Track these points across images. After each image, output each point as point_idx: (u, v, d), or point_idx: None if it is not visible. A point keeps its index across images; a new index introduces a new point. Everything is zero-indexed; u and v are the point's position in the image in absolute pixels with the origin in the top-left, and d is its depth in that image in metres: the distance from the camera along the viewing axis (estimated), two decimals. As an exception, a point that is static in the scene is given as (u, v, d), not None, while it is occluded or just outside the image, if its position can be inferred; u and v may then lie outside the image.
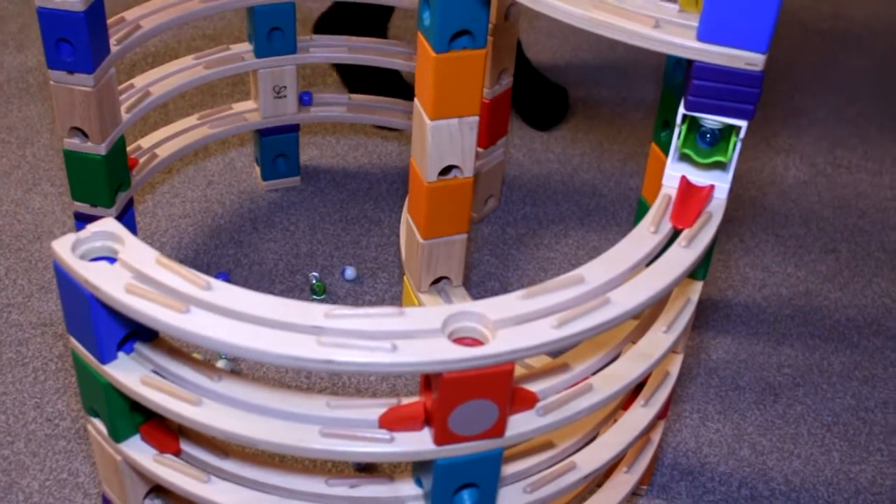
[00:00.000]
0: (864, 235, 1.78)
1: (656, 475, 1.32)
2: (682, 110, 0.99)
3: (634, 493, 1.29)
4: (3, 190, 1.71)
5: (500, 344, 0.85)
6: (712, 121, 0.99)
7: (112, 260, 0.92)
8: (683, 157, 1.02)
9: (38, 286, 1.53)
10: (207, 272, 1.57)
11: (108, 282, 0.88)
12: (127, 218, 1.51)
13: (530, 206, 1.77)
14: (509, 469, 1.00)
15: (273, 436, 0.90)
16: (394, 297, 1.55)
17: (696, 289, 1.08)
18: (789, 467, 1.35)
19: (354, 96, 1.75)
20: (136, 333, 0.96)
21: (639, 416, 1.08)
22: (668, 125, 1.24)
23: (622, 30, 0.97)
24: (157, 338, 0.97)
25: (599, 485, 1.16)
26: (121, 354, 0.95)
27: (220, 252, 1.61)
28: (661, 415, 1.20)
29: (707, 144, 0.99)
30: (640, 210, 1.34)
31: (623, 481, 1.15)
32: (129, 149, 1.56)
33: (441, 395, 0.86)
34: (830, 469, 1.36)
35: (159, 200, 1.71)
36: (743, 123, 0.98)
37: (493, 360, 0.84)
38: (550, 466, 1.03)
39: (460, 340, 0.87)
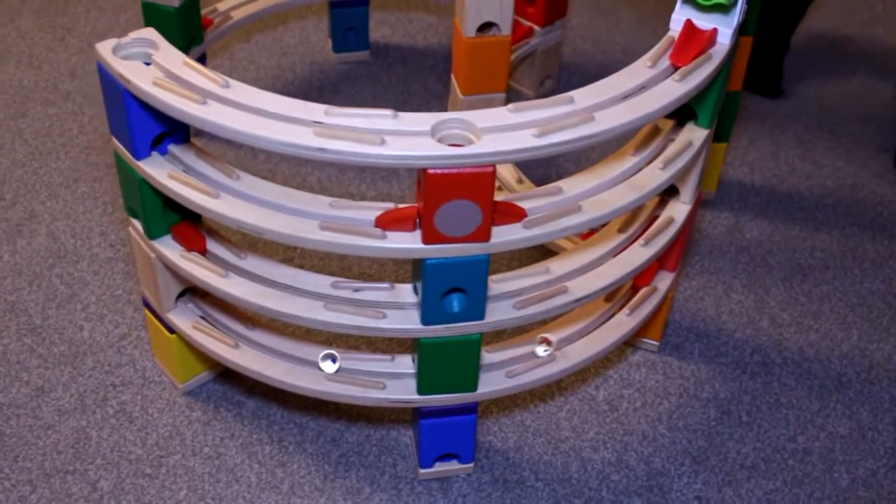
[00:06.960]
0: (924, 138, 1.77)
1: (671, 335, 1.37)
2: (687, -50, 1.03)
3: (647, 349, 1.34)
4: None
5: (482, 146, 0.92)
6: (716, -38, 1.03)
7: (149, 64, 1.02)
8: (687, 1, 1.06)
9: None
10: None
11: (140, 77, 0.98)
12: (198, 72, 1.61)
13: (589, 92, 1.81)
14: (502, 287, 1.07)
15: (279, 226, 0.99)
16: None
17: (701, 135, 1.12)
18: (805, 340, 1.39)
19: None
20: (170, 134, 1.06)
21: (636, 253, 1.14)
22: None
23: None
24: (189, 141, 1.07)
25: (601, 324, 1.21)
26: (154, 154, 1.05)
27: (286, 114, 1.71)
28: (671, 266, 1.25)
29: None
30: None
31: (623, 323, 1.21)
32: (205, 11, 1.66)
33: (426, 193, 0.93)
34: (848, 345, 1.39)
35: (235, 65, 1.82)
36: (745, -35, 1.01)
37: (475, 160, 0.91)
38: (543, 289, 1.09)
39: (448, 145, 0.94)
